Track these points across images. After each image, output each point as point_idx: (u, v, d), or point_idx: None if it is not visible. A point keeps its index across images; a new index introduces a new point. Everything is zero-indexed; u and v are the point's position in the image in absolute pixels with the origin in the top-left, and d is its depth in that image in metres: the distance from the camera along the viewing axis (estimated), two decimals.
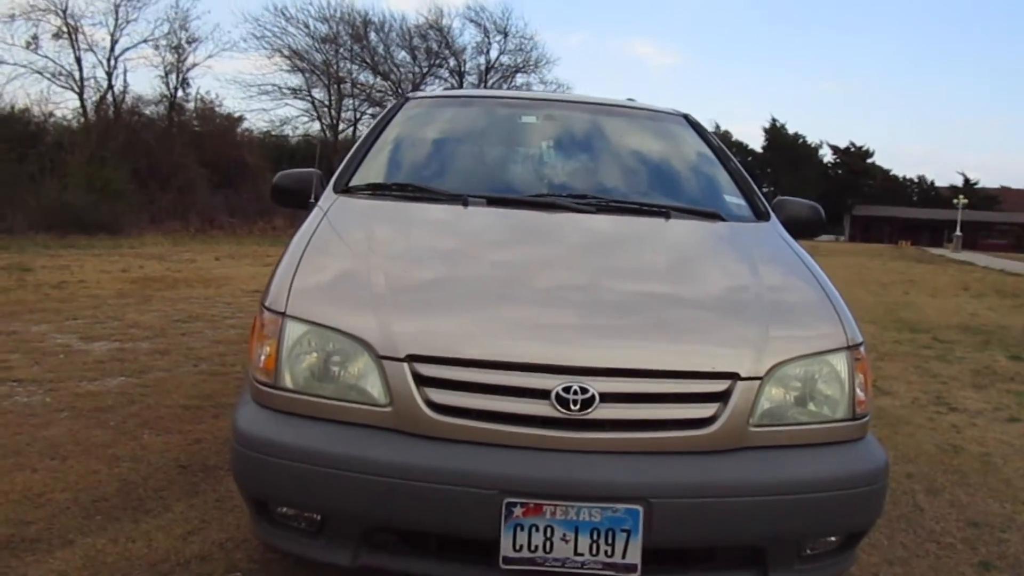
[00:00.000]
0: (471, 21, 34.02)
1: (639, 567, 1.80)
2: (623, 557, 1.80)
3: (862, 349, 2.16)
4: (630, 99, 4.45)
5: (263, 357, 2.07)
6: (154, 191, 21.02)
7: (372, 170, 3.01)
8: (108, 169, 19.90)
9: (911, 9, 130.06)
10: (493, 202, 2.71)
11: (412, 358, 1.90)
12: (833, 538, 2.05)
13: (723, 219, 2.78)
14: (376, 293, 2.09)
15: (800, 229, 3.03)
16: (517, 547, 1.80)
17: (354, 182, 2.90)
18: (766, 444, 1.97)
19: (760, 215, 2.92)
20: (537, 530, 1.79)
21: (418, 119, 3.44)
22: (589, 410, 1.86)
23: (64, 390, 4.40)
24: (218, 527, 2.75)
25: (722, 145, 3.42)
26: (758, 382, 1.96)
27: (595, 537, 1.80)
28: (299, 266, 2.22)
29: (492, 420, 1.87)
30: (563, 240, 2.57)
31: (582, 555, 1.80)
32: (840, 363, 2.09)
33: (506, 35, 33.51)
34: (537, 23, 78.58)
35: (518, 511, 1.79)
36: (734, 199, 3.00)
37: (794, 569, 2.00)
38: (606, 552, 1.80)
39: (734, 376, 1.94)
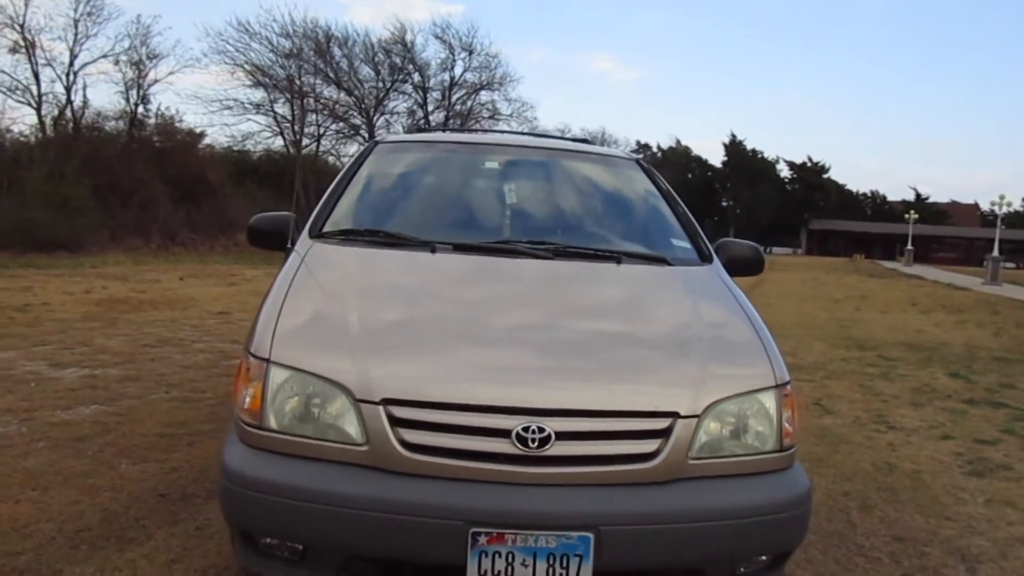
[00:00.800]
0: (436, 37, 34.32)
1: None
2: None
3: (789, 387, 2.42)
4: (585, 139, 4.71)
5: (248, 399, 2.26)
6: (115, 207, 20.84)
7: (345, 215, 3.21)
8: (67, 186, 19.71)
9: (867, 28, 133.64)
10: (458, 248, 2.93)
11: (387, 401, 2.11)
12: (764, 557, 2.29)
13: (669, 263, 3.04)
14: (352, 337, 2.29)
15: (742, 267, 3.32)
16: (482, 572, 2.01)
17: (327, 227, 3.09)
18: (703, 475, 2.21)
19: (704, 257, 3.18)
20: (500, 556, 2.01)
21: (386, 164, 3.65)
22: (546, 447, 2.08)
23: (39, 419, 4.51)
24: (200, 554, 2.91)
25: (670, 189, 3.68)
26: (696, 419, 2.20)
27: (551, 562, 2.02)
28: (280, 313, 2.41)
29: (459, 457, 2.09)
30: (523, 285, 2.80)
31: None
32: (769, 400, 2.34)
33: (471, 52, 33.83)
34: (499, 38, 78.86)
35: (483, 540, 2.00)
36: (680, 242, 3.26)
37: None
38: (561, 575, 2.02)
39: (674, 415, 2.18)
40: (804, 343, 9.71)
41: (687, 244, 3.24)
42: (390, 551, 2.07)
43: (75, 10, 22.84)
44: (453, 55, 33.83)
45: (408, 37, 32.91)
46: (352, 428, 2.14)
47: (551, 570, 2.02)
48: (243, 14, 40.32)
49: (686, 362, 2.37)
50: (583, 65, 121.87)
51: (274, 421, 2.20)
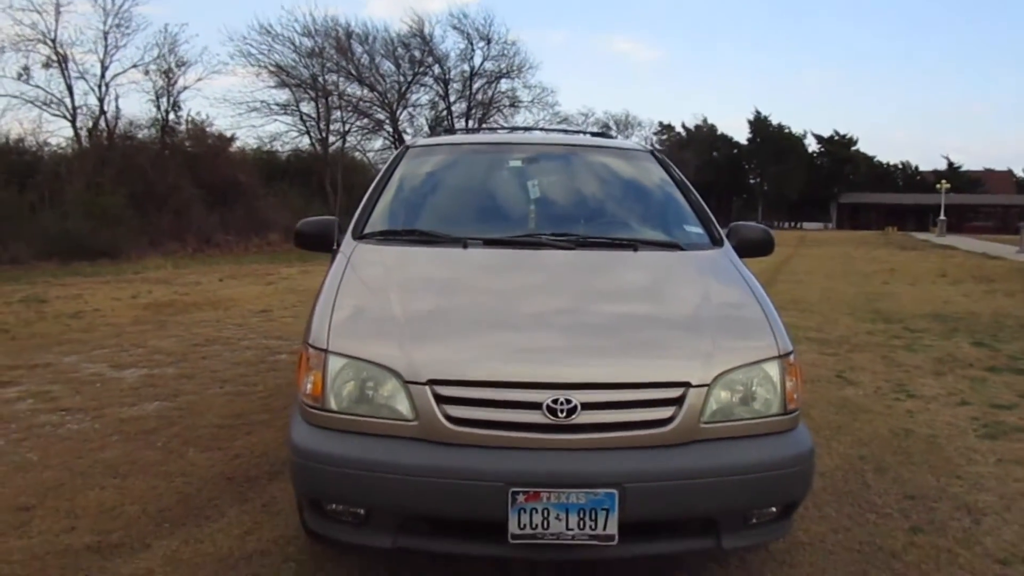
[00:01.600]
0: (454, 28, 34.69)
1: (616, 537, 2.32)
2: (604, 530, 2.31)
3: (792, 357, 2.68)
4: (604, 131, 4.96)
5: (310, 385, 2.58)
6: (151, 214, 21.46)
7: (383, 217, 3.52)
8: (105, 195, 20.32)
9: None
10: (488, 243, 3.22)
11: (432, 382, 2.41)
12: (773, 509, 2.56)
13: (682, 248, 3.31)
14: (398, 327, 2.60)
15: (753, 249, 3.57)
16: (521, 526, 2.31)
17: (368, 229, 3.41)
18: (715, 437, 2.48)
19: (715, 241, 3.44)
20: (536, 512, 2.31)
21: (417, 167, 3.95)
22: (573, 417, 2.37)
23: (109, 416, 4.90)
24: (269, 528, 3.25)
25: (683, 177, 3.94)
26: (706, 388, 2.48)
27: (582, 516, 2.31)
28: (334, 308, 2.72)
29: (497, 428, 2.38)
30: (548, 274, 3.09)
31: (572, 530, 2.32)
32: (773, 369, 2.61)
33: (489, 41, 34.10)
34: (516, 24, 79.08)
35: (521, 498, 2.30)
36: (693, 228, 3.52)
37: (741, 535, 2.52)
38: (590, 527, 2.32)
39: (686, 384, 2.46)
40: (831, 318, 9.86)
41: (699, 229, 3.50)
42: (441, 511, 2.38)
43: (104, 23, 23.44)
44: (472, 45, 34.16)
45: (426, 30, 33.28)
46: (403, 406, 2.44)
47: (582, 523, 2.31)
48: (264, 16, 40.93)
49: (697, 338, 2.64)
50: (603, 47, 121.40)
51: (334, 403, 2.51)
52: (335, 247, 3.37)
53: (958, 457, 4.27)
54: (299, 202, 25.99)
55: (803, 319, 9.61)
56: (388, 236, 3.35)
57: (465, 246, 3.17)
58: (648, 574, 2.88)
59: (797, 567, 2.97)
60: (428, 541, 2.47)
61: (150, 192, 22.01)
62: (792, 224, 76.76)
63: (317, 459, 2.45)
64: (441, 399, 2.41)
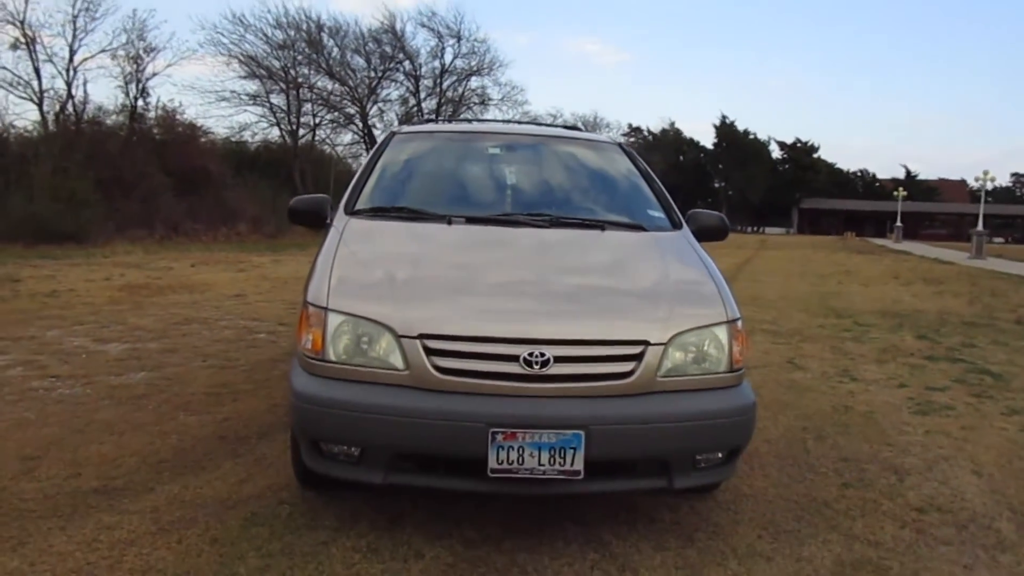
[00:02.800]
0: (423, 26, 34.73)
1: (582, 473, 2.66)
2: (571, 466, 2.65)
3: (739, 324, 3.04)
4: (575, 126, 5.32)
5: (310, 339, 2.87)
6: (118, 200, 21.33)
7: (372, 195, 3.81)
8: (72, 180, 20.21)
9: (854, 5, 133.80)
10: (470, 220, 3.54)
11: (423, 336, 2.73)
12: (719, 454, 2.92)
13: (645, 229, 3.66)
14: (391, 289, 2.91)
15: (710, 234, 3.93)
16: (499, 462, 2.63)
17: (359, 206, 3.70)
18: (669, 389, 2.83)
19: (675, 224, 3.79)
20: (513, 450, 2.63)
21: (403, 152, 4.25)
22: (546, 368, 2.70)
23: (99, 383, 5.12)
24: (263, 477, 3.54)
25: (647, 168, 4.29)
26: (663, 347, 2.83)
27: (552, 453, 2.64)
28: (332, 271, 3.02)
29: (479, 377, 2.70)
30: (525, 248, 3.41)
31: (544, 466, 2.64)
32: (722, 333, 2.97)
33: (459, 39, 34.31)
34: (485, 23, 79.54)
35: (500, 437, 2.62)
36: (655, 212, 3.87)
37: (691, 476, 2.87)
38: (560, 463, 2.65)
39: (645, 343, 2.80)
40: (786, 313, 10.35)
41: (661, 214, 3.85)
42: (430, 449, 2.70)
43: (73, 6, 23.26)
44: (442, 42, 34.34)
45: (398, 26, 33.38)
46: (395, 358, 2.75)
47: (552, 459, 2.64)
48: (237, 6, 40.64)
49: (656, 304, 2.99)
50: (570, 49, 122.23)
51: (333, 354, 2.81)
52: (328, 222, 3.66)
53: (891, 429, 4.69)
54: (268, 193, 26.01)
55: (760, 313, 10.07)
56: (378, 212, 3.64)
57: (449, 222, 3.48)
58: (608, 519, 3.21)
59: (741, 513, 3.34)
60: (415, 477, 2.79)
61: (118, 178, 21.89)
62: (755, 229, 78.10)
63: (318, 403, 2.75)
64: (430, 351, 2.72)
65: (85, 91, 31.77)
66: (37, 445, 3.85)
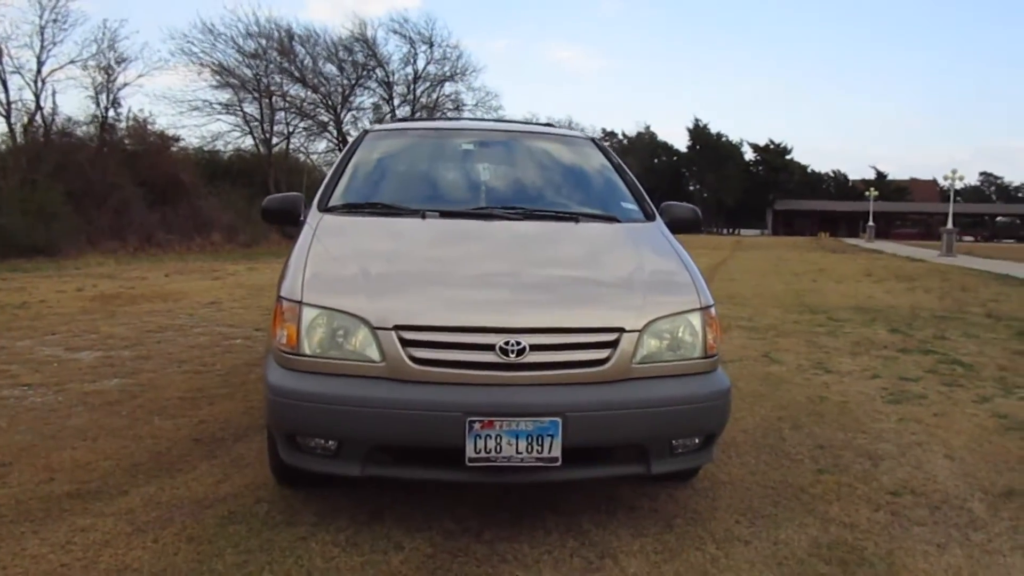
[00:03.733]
0: (394, 32, 34.60)
1: (560, 459, 2.67)
2: (549, 452, 2.65)
3: (712, 311, 3.06)
4: (549, 123, 5.34)
5: (284, 334, 2.86)
6: (90, 212, 21.05)
7: (346, 191, 3.80)
8: (41, 192, 19.92)
9: (823, 8, 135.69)
10: (444, 214, 3.54)
11: (398, 327, 2.72)
12: (696, 439, 2.94)
13: (619, 221, 3.68)
14: (366, 282, 2.90)
15: (683, 226, 3.95)
16: (477, 450, 2.63)
17: (332, 202, 3.69)
18: (645, 376, 2.85)
19: (648, 216, 3.82)
20: (491, 438, 2.63)
21: (378, 148, 4.25)
22: (522, 356, 2.70)
23: (71, 390, 5.05)
24: (240, 477, 3.51)
25: (620, 162, 4.32)
26: (638, 334, 2.84)
27: (530, 440, 2.65)
28: (305, 267, 3.01)
29: (456, 367, 2.71)
30: (500, 240, 3.42)
31: (521, 453, 2.65)
32: (696, 320, 2.99)
33: (431, 45, 34.26)
34: (457, 30, 79.70)
35: (477, 426, 2.62)
36: (629, 205, 3.90)
37: (668, 462, 2.89)
38: (537, 450, 2.65)
39: (620, 330, 2.82)
40: (761, 310, 10.44)
41: (634, 206, 3.88)
42: (407, 440, 2.69)
43: (40, 17, 22.91)
44: (414, 48, 34.26)
45: (369, 33, 33.28)
46: (371, 350, 2.74)
47: (530, 447, 2.65)
48: (207, 15, 40.35)
49: (631, 293, 3.01)
50: (544, 55, 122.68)
51: (308, 348, 2.80)
52: (302, 219, 3.65)
53: (865, 417, 4.75)
54: (242, 203, 25.78)
55: (736, 310, 10.16)
56: (352, 208, 3.63)
57: (424, 217, 3.48)
58: (588, 507, 3.22)
59: (719, 500, 3.36)
60: (393, 469, 2.78)
61: (89, 190, 21.61)
62: (730, 230, 78.79)
63: (294, 396, 2.74)
64: (406, 343, 2.72)
65: (54, 102, 31.27)
66: (8, 452, 3.79)
